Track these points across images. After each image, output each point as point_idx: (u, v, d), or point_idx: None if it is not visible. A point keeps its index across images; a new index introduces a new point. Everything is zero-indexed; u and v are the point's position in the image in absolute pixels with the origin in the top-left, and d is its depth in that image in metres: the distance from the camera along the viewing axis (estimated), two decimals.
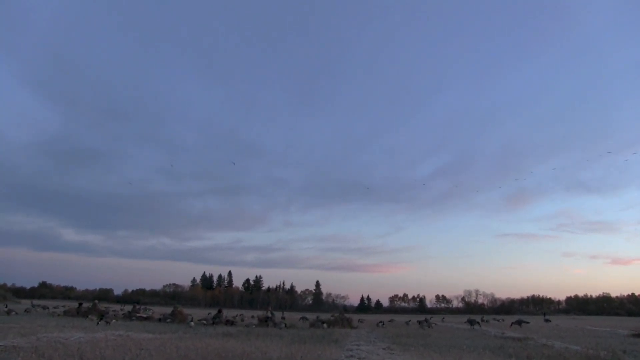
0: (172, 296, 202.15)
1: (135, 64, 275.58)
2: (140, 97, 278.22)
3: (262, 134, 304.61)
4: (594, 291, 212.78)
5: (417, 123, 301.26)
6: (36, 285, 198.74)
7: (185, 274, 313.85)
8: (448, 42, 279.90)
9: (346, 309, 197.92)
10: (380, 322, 57.84)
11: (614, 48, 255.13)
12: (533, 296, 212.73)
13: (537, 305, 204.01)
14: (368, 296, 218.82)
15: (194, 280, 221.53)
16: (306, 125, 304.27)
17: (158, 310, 62.59)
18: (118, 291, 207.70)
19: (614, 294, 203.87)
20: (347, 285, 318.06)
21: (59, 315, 42.60)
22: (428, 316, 77.10)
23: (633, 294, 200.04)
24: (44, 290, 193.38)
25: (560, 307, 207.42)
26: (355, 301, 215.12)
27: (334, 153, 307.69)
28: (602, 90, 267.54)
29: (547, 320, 67.64)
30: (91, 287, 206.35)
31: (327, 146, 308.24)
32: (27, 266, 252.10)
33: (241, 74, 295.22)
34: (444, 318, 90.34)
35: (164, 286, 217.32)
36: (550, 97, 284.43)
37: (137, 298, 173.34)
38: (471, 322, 50.85)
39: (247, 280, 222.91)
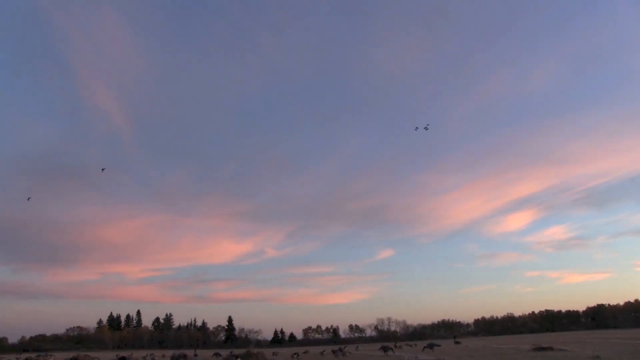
0: (77, 340, 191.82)
1: None
2: None
3: None
4: (500, 312, 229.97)
5: None
6: None
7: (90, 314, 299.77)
8: None
9: (260, 343, 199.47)
10: (295, 353, 62.24)
11: None
12: (443, 321, 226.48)
13: (448, 329, 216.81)
14: (282, 329, 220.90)
15: (100, 321, 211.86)
16: None
17: (60, 357, 61.87)
18: (13, 339, 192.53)
19: (517, 314, 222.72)
20: (260, 319, 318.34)
21: None
22: (342, 345, 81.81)
23: (533, 312, 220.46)
24: None
25: (469, 329, 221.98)
26: (269, 335, 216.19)
27: None
28: None
29: (457, 342, 75.36)
30: None
31: None
32: None
33: None
34: (357, 347, 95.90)
35: (67, 330, 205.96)
36: None
37: (36, 345, 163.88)
38: (385, 349, 56.41)
39: (157, 318, 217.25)
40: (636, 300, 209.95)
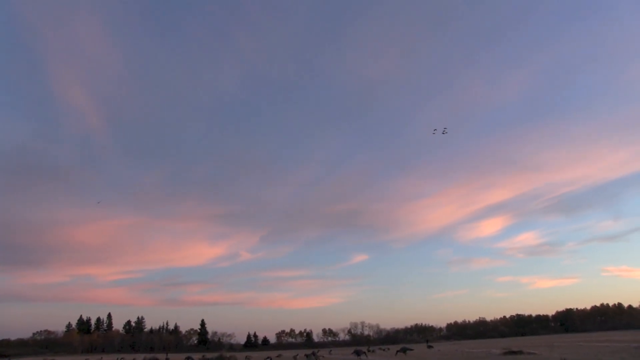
0: (44, 344, 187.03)
1: None
2: None
3: None
4: (472, 316, 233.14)
5: None
6: None
7: (59, 317, 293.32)
8: None
9: (233, 347, 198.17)
10: (268, 357, 62.12)
11: None
12: (416, 325, 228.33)
13: (421, 333, 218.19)
14: (255, 333, 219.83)
15: (69, 324, 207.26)
16: None
17: None
18: None
19: (488, 318, 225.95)
20: (234, 322, 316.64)
21: None
22: (315, 350, 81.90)
23: (504, 316, 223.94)
24: None
25: (441, 333, 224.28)
26: (242, 339, 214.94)
27: None
28: None
29: (429, 347, 76.06)
30: None
31: None
32: None
33: None
34: (331, 350, 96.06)
35: (33, 334, 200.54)
36: None
37: (0, 350, 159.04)
38: (358, 353, 56.59)
39: (129, 322, 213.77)
40: (602, 305, 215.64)
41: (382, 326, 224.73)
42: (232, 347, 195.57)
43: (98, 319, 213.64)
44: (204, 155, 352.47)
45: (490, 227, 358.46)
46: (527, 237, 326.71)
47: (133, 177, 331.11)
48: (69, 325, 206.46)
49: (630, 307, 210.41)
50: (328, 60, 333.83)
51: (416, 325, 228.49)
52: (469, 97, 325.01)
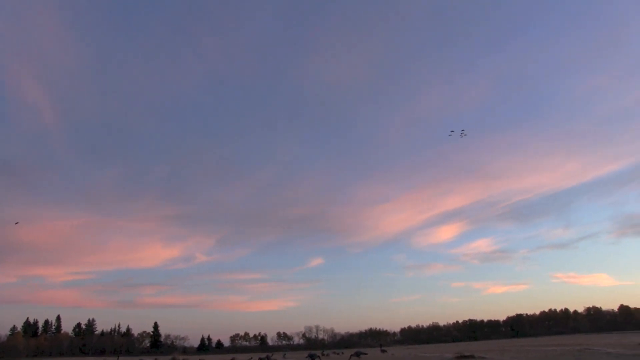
0: None
1: None
2: None
3: None
4: (426, 321, 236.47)
5: None
6: None
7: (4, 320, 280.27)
8: None
9: (186, 350, 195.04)
10: None
11: None
12: (371, 329, 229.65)
13: (375, 338, 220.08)
14: (209, 336, 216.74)
15: (14, 327, 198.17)
16: None
17: None
18: None
19: (442, 323, 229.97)
20: (188, 325, 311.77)
21: None
22: (269, 353, 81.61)
23: (457, 321, 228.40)
24: None
25: (395, 338, 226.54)
26: (195, 342, 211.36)
27: None
28: None
29: (383, 351, 76.63)
30: None
31: None
32: None
33: None
34: (285, 354, 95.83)
35: None
36: None
37: None
38: (312, 357, 56.47)
39: (79, 324, 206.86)
40: (550, 310, 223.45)
41: (336, 330, 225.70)
42: (186, 351, 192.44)
43: (46, 322, 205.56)
44: (161, 155, 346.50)
45: (446, 233, 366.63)
46: (482, 244, 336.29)
47: (88, 175, 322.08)
48: (13, 329, 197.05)
49: (575, 312, 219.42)
50: (290, 63, 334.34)
51: (370, 329, 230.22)
52: (430, 104, 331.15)
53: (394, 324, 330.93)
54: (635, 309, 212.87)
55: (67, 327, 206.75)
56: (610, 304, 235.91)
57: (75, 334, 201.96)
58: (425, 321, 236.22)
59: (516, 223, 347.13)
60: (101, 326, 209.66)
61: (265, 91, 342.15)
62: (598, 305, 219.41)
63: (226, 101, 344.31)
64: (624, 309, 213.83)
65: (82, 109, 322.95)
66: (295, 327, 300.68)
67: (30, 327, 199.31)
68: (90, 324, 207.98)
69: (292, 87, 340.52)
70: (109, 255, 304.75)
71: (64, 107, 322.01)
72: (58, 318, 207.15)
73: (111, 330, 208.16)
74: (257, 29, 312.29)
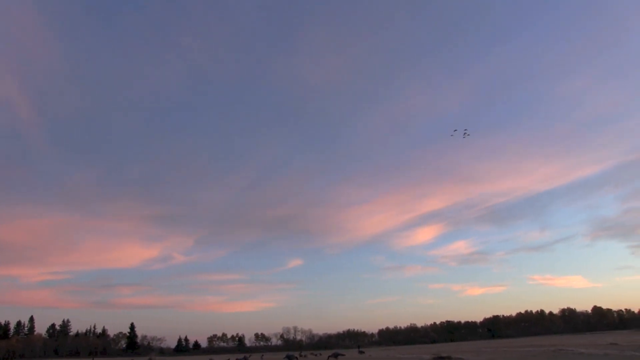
0: None
1: None
2: None
3: None
4: (404, 323, 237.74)
5: None
6: None
7: None
8: None
9: (163, 351, 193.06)
10: None
11: None
12: (349, 330, 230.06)
13: (353, 339, 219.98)
14: (186, 337, 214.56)
15: None
16: None
17: None
18: None
19: (419, 324, 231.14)
20: (165, 326, 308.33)
21: None
22: (247, 354, 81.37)
23: (435, 323, 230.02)
24: None
25: (373, 339, 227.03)
26: (173, 343, 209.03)
27: None
28: None
29: (361, 352, 76.71)
30: None
31: None
32: None
33: None
34: (263, 355, 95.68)
35: None
36: None
37: None
38: (290, 358, 56.54)
39: (53, 325, 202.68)
40: (526, 312, 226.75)
41: (314, 331, 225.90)
42: (163, 352, 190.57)
43: (18, 323, 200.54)
44: (140, 154, 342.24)
45: (424, 235, 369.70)
46: (460, 246, 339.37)
47: (64, 174, 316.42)
48: None
49: (550, 313, 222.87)
50: (269, 64, 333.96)
51: (348, 330, 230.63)
52: (409, 106, 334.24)
53: (372, 325, 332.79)
54: (608, 309, 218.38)
55: (41, 328, 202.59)
56: (584, 305, 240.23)
57: (49, 335, 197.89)
58: (403, 322, 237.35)
59: (494, 225, 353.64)
60: (77, 327, 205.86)
61: (247, 91, 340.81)
62: (572, 307, 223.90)
63: (207, 101, 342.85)
64: (597, 310, 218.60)
65: (60, 106, 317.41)
66: (273, 328, 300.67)
67: (0, 328, 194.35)
68: (65, 325, 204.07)
69: (274, 87, 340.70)
70: (85, 255, 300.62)
71: (41, 104, 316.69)
72: (31, 319, 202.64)
73: (86, 331, 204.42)
74: (239, 27, 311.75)
